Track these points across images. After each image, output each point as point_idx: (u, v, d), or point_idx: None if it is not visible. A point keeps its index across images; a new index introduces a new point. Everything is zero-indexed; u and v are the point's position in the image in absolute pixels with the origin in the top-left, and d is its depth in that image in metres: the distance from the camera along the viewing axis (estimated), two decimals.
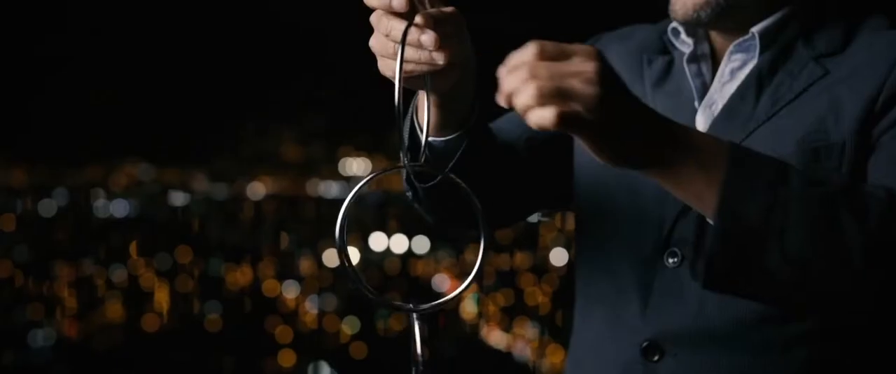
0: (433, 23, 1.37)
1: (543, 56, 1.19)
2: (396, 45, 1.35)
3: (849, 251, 1.24)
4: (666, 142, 1.26)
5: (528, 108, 1.18)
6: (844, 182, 1.31)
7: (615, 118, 1.20)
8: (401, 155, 1.46)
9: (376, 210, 45.39)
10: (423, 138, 1.47)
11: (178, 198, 46.58)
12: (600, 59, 1.20)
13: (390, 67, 1.40)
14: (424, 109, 1.46)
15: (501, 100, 1.21)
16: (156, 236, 44.71)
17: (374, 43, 1.41)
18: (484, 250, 1.39)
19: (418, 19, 1.37)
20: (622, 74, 1.72)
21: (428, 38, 1.36)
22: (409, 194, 1.75)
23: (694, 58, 1.72)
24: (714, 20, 1.63)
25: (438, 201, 1.74)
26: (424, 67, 1.39)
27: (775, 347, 1.58)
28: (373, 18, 1.40)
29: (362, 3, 1.41)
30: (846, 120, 1.50)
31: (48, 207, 44.61)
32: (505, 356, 40.40)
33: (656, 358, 1.67)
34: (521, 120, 1.80)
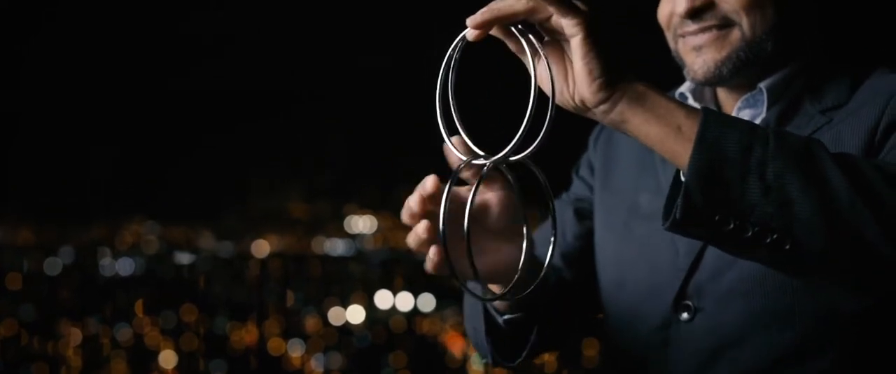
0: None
1: None
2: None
3: (833, 189, 1.20)
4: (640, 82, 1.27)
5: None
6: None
7: (604, 34, 1.23)
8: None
9: (381, 268, 45.28)
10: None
11: (183, 256, 46.53)
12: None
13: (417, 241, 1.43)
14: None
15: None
16: (161, 294, 44.56)
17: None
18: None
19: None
20: (635, 148, 1.77)
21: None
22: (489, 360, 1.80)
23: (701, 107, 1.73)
24: (734, 75, 1.65)
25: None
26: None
27: None
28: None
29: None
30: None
31: (53, 265, 44.55)
32: None
33: None
34: (548, 239, 1.84)
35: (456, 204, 1.38)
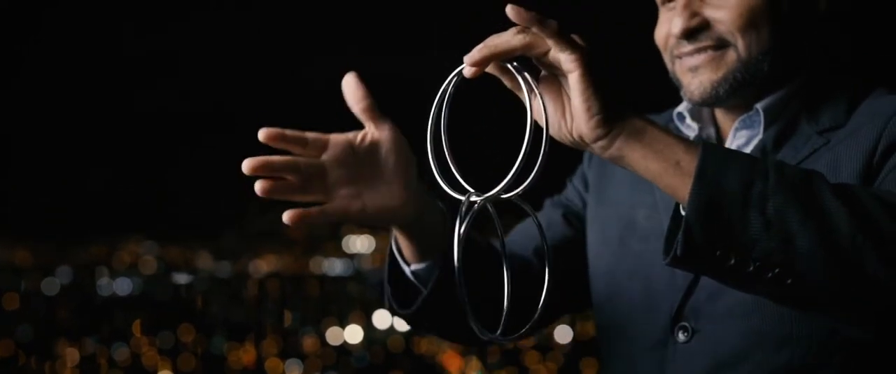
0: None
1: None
2: None
3: (833, 221, 1.20)
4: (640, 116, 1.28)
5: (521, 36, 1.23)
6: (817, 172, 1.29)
7: (602, 70, 1.23)
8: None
9: (379, 288, 45.14)
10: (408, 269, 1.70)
11: (181, 276, 46.40)
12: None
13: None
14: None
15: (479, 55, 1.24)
16: (159, 314, 44.44)
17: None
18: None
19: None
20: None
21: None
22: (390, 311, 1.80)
23: (700, 141, 1.73)
24: (730, 96, 1.65)
25: (426, 320, 1.81)
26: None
27: None
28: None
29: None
30: (844, 177, 1.50)
31: (51, 285, 44.45)
32: None
33: None
34: (530, 233, 1.84)
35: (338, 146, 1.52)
